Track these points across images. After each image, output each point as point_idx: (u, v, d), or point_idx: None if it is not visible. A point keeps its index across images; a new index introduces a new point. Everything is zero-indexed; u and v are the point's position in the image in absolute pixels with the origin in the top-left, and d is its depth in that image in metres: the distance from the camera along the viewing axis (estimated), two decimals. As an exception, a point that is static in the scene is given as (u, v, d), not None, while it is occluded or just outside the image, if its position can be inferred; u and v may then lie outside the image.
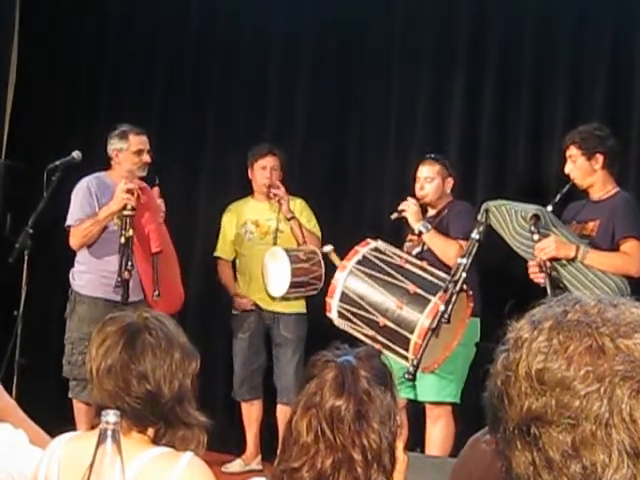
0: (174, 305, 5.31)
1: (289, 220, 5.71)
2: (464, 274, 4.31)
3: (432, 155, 5.27)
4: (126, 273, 5.01)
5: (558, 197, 4.56)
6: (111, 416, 1.50)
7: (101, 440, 1.50)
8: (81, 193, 5.28)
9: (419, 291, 4.47)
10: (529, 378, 1.00)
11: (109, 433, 1.50)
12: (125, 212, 5.06)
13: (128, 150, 5.32)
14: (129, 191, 5.07)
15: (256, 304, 5.77)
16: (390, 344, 4.46)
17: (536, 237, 4.28)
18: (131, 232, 5.05)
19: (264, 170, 5.78)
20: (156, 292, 5.08)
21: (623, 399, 0.95)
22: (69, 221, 5.25)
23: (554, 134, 5.40)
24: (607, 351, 0.98)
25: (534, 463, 0.98)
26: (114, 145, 5.35)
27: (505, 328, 1.07)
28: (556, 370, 0.98)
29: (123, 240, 5.05)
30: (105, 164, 5.43)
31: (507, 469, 1.02)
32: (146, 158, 5.33)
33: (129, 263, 5.03)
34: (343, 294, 4.59)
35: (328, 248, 4.98)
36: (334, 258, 4.89)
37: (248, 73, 6.42)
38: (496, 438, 1.04)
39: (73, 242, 5.24)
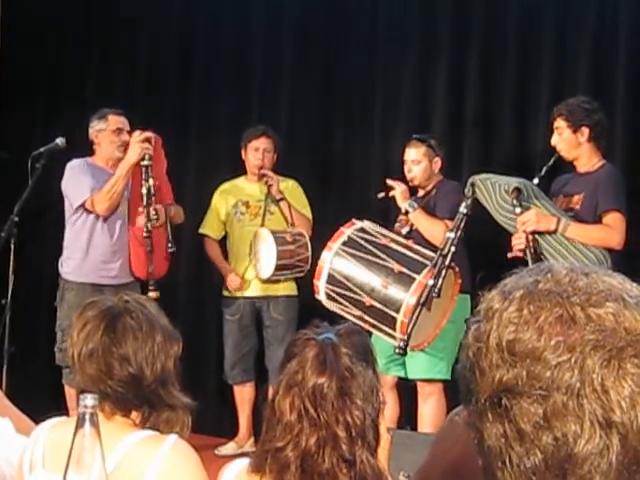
0: (164, 266, 5.37)
1: (278, 202, 5.69)
2: (453, 248, 4.32)
3: (418, 136, 5.24)
4: (152, 222, 5.09)
5: (544, 170, 4.58)
6: (89, 400, 1.49)
7: (80, 424, 1.49)
8: (77, 168, 5.26)
9: (404, 270, 4.47)
10: (500, 349, 0.98)
11: (87, 417, 1.49)
12: (144, 162, 5.08)
13: (107, 129, 5.32)
14: (147, 139, 5.08)
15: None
16: (377, 324, 4.47)
17: (518, 210, 4.31)
18: (151, 182, 5.09)
19: (256, 152, 5.75)
20: (150, 268, 5.16)
21: (594, 369, 0.94)
22: (80, 197, 5.19)
23: (539, 110, 5.39)
24: (578, 320, 0.97)
25: (505, 435, 0.98)
26: (94, 127, 5.35)
27: (477, 300, 1.06)
28: (527, 341, 0.97)
29: (145, 190, 5.08)
30: (89, 150, 5.41)
31: (479, 441, 1.01)
32: (125, 137, 5.31)
33: (153, 212, 5.09)
34: (330, 275, 4.59)
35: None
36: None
37: (232, 54, 6.39)
38: (469, 411, 1.03)
39: (101, 208, 5.16)
